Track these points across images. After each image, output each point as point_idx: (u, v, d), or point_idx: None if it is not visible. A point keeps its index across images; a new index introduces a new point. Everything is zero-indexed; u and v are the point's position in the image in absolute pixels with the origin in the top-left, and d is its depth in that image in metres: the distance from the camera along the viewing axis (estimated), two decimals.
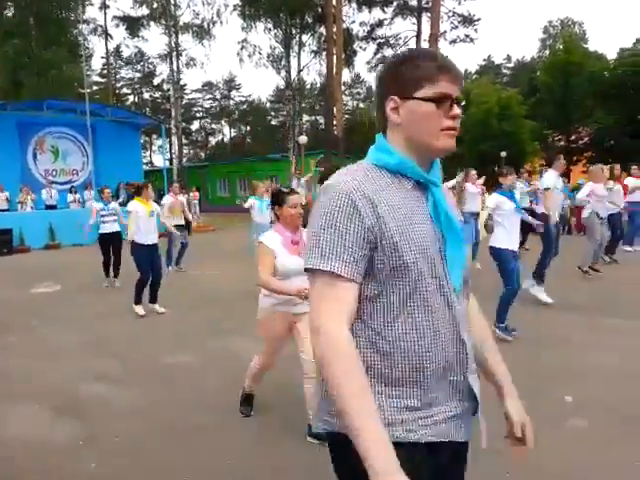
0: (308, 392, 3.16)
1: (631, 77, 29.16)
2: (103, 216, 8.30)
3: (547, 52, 42.22)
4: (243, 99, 55.49)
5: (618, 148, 27.07)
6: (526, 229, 10.73)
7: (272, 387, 4.07)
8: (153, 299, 6.59)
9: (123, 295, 7.18)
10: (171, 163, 33.51)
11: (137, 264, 6.43)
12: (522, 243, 8.86)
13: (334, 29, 24.45)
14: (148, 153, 53.40)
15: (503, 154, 24.29)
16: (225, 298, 7.40)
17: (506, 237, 5.15)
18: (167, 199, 10.10)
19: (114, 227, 8.37)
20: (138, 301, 6.49)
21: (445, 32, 29.50)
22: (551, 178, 6.72)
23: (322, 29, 30.37)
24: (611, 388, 3.91)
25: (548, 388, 3.88)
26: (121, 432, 3.43)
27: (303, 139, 17.39)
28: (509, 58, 55.19)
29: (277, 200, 3.27)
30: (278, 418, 3.55)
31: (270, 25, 33.00)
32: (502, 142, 26.65)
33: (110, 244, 8.35)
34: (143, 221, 6.33)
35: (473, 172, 9.06)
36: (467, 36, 31.28)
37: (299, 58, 33.78)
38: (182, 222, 10.13)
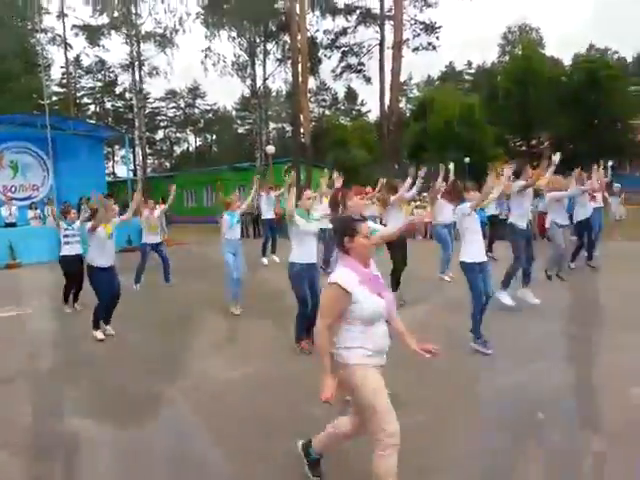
0: (324, 436, 2.92)
1: (586, 83, 30.25)
2: (66, 236, 7.69)
3: (507, 58, 43.30)
4: (208, 107, 55.01)
5: (576, 153, 28.18)
6: (492, 238, 10.97)
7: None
8: (107, 320, 6.37)
9: (89, 314, 6.82)
10: (135, 174, 32.96)
11: (95, 289, 6.22)
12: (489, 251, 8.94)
13: (298, 37, 24.51)
14: (111, 164, 52.29)
15: (467, 160, 24.81)
16: (197, 316, 7.25)
17: (471, 250, 5.25)
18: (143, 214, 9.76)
19: (76, 249, 7.70)
20: (97, 327, 6.27)
21: (408, 40, 29.94)
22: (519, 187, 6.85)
23: (286, 37, 30.44)
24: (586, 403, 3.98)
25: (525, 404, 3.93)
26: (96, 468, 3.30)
27: (271, 149, 17.32)
28: (470, 64, 56.45)
29: (347, 230, 2.66)
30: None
31: (234, 33, 32.94)
32: (465, 149, 27.25)
33: (72, 268, 7.65)
34: (101, 243, 6.09)
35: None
36: (429, 44, 31.83)
37: (264, 66, 33.79)
38: (159, 239, 9.84)
